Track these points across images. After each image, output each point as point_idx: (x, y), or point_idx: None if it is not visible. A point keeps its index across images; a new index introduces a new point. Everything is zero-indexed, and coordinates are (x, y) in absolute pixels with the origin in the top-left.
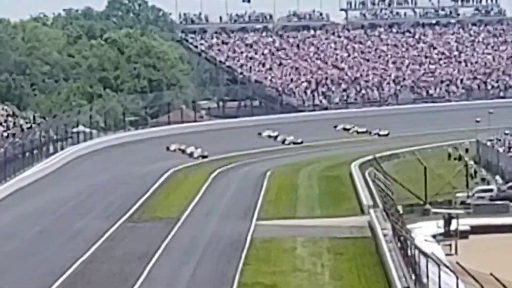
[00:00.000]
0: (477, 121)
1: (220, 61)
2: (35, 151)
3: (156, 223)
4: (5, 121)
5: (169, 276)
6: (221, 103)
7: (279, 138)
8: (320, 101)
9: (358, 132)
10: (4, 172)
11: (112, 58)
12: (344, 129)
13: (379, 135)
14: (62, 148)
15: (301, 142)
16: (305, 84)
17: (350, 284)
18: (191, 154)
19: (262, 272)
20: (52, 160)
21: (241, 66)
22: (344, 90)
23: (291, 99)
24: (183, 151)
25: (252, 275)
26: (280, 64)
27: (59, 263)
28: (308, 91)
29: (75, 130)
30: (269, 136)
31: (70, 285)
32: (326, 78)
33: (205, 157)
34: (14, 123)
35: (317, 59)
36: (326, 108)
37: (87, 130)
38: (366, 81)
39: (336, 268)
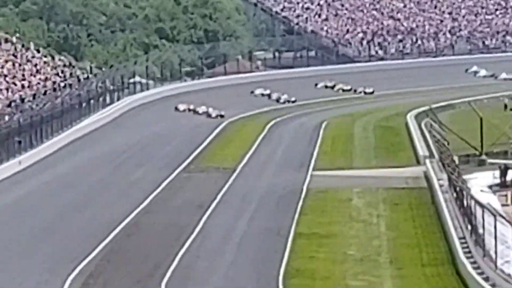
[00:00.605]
0: None
1: (276, 12)
2: (91, 102)
3: (212, 173)
4: (62, 71)
5: (225, 227)
6: (277, 54)
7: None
8: (376, 52)
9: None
10: (61, 122)
11: (169, 8)
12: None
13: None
14: (118, 99)
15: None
16: (361, 34)
17: (406, 235)
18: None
19: (318, 223)
20: (109, 110)
21: (297, 16)
22: (400, 40)
23: (347, 50)
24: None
25: (308, 226)
26: (336, 14)
27: (116, 214)
28: (364, 42)
29: (131, 80)
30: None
31: (126, 235)
32: (382, 29)
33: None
34: (71, 74)
35: (373, 9)
36: (382, 59)
37: (144, 80)
38: (422, 32)
39: (391, 219)
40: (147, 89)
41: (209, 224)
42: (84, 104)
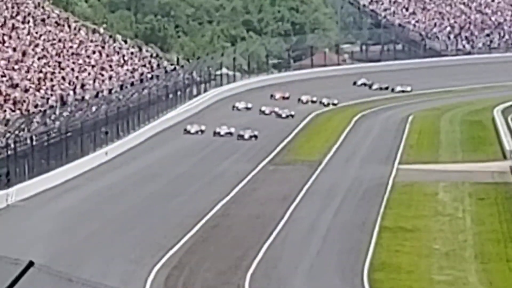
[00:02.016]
0: None
1: (364, 5)
2: (178, 93)
3: (298, 166)
4: (149, 62)
5: (311, 219)
6: (364, 47)
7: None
8: (463, 46)
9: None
10: (148, 113)
11: (256, 1)
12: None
13: None
14: (205, 90)
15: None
16: (448, 28)
17: (492, 229)
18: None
19: (404, 216)
20: (195, 101)
21: (385, 10)
22: (487, 35)
23: (434, 44)
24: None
25: (394, 219)
26: (424, 8)
27: (202, 205)
28: (451, 36)
29: (218, 72)
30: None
31: (212, 226)
32: (470, 23)
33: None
34: (158, 65)
35: (460, 3)
36: (469, 53)
37: (230, 72)
38: (510, 26)
39: (477, 213)
40: (234, 81)
41: (295, 216)
42: (170, 96)
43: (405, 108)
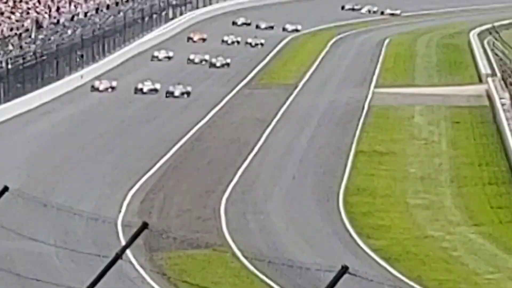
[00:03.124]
0: None
1: None
2: (154, 16)
3: (273, 89)
4: None
5: (287, 143)
6: None
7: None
8: None
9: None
10: (123, 37)
11: None
12: None
13: None
14: (181, 14)
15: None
16: None
17: (467, 153)
18: None
19: (379, 140)
20: (171, 25)
21: None
22: None
23: None
24: None
25: (369, 143)
26: None
27: (178, 128)
28: None
29: None
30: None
31: (188, 150)
32: None
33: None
34: None
35: None
36: None
37: None
38: None
39: (453, 137)
40: (210, 4)
41: (270, 139)
42: (146, 19)
43: (382, 31)
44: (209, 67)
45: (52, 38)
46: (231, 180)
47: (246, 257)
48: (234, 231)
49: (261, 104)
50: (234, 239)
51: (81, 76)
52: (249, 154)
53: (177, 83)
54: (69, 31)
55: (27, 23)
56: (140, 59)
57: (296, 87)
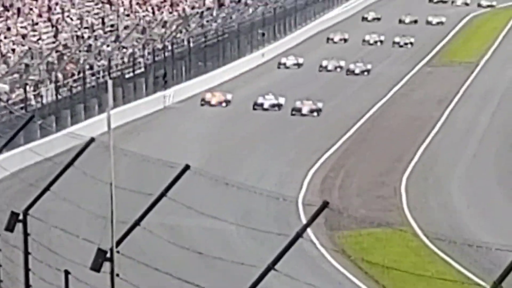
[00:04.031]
0: None
1: None
2: None
3: (454, 67)
4: None
5: (468, 121)
6: None
7: None
8: None
9: None
10: (304, 15)
11: None
12: None
13: None
14: None
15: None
16: None
17: None
18: None
19: None
20: (351, 4)
21: None
22: None
23: None
24: None
25: None
26: None
27: (359, 106)
28: None
29: None
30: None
31: (369, 128)
32: None
33: None
34: None
35: None
36: None
37: None
38: None
39: None
40: None
41: (452, 117)
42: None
43: None
44: (392, 46)
45: (234, 16)
46: (412, 159)
47: (426, 236)
48: (415, 210)
49: (442, 82)
50: (415, 217)
51: (263, 55)
52: (430, 132)
53: (357, 61)
54: (250, 9)
55: (209, 2)
56: (319, 38)
57: (477, 65)
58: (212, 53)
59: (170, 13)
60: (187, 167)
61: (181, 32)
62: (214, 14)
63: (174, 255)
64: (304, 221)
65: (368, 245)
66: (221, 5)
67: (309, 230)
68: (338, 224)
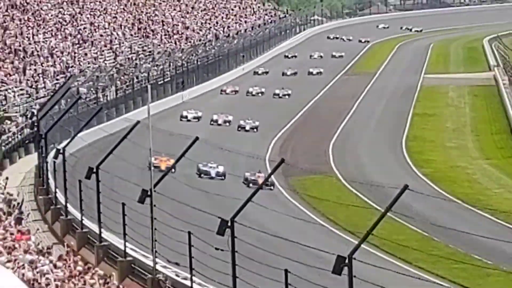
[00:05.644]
0: None
1: None
2: (287, 32)
3: (361, 75)
4: (270, 12)
5: (370, 109)
6: (402, 1)
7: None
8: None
9: None
10: (268, 43)
11: None
12: None
13: None
14: (304, 29)
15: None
16: None
17: (481, 114)
18: None
19: (427, 107)
20: (298, 36)
21: None
22: None
23: None
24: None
25: (421, 108)
26: None
27: (302, 101)
28: None
29: (312, 18)
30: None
31: (307, 116)
32: None
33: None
34: (274, 14)
35: None
36: (467, 4)
37: (320, 18)
38: None
39: (473, 104)
40: (322, 23)
41: (359, 107)
42: (282, 33)
43: (426, 40)
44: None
45: (225, 45)
46: (335, 133)
47: (345, 180)
48: (337, 164)
49: (355, 84)
50: (338, 168)
51: (243, 69)
52: (346, 116)
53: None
54: (235, 41)
55: (210, 36)
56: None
57: (375, 74)
58: (212, 68)
59: (186, 43)
60: (196, 139)
61: (192, 55)
62: (213, 44)
63: (190, 192)
64: (269, 171)
65: (309, 185)
66: (217, 38)
67: (272, 177)
68: (291, 173)
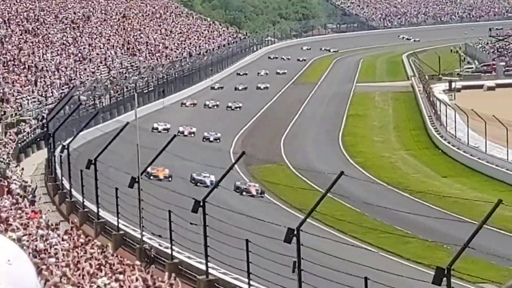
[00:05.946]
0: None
1: (337, 4)
2: (246, 50)
3: (307, 84)
4: (232, 34)
5: (313, 111)
6: (338, 25)
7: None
8: (388, 23)
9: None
10: (232, 59)
11: (284, 1)
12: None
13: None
14: (259, 48)
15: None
16: (379, 15)
17: (402, 115)
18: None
19: (358, 109)
20: (254, 54)
21: (348, 6)
22: (399, 18)
23: (373, 23)
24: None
25: (353, 110)
26: (368, 5)
27: (257, 107)
28: (381, 19)
29: (266, 39)
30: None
31: (263, 117)
32: (390, 13)
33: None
34: (236, 36)
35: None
36: (390, 27)
37: (272, 39)
38: (410, 13)
39: (395, 107)
40: (274, 43)
41: (305, 110)
42: (242, 51)
43: (357, 56)
44: (276, 74)
45: (197, 61)
46: (286, 129)
47: (294, 168)
48: (287, 155)
49: (300, 91)
50: (288, 159)
51: (212, 80)
52: (294, 116)
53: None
54: (205, 57)
55: (185, 54)
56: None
57: (317, 83)
58: (187, 79)
59: (166, 60)
60: (174, 136)
61: (171, 69)
62: (187, 60)
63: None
64: (233, 161)
65: (266, 173)
66: (190, 55)
67: (236, 166)
68: (251, 162)
